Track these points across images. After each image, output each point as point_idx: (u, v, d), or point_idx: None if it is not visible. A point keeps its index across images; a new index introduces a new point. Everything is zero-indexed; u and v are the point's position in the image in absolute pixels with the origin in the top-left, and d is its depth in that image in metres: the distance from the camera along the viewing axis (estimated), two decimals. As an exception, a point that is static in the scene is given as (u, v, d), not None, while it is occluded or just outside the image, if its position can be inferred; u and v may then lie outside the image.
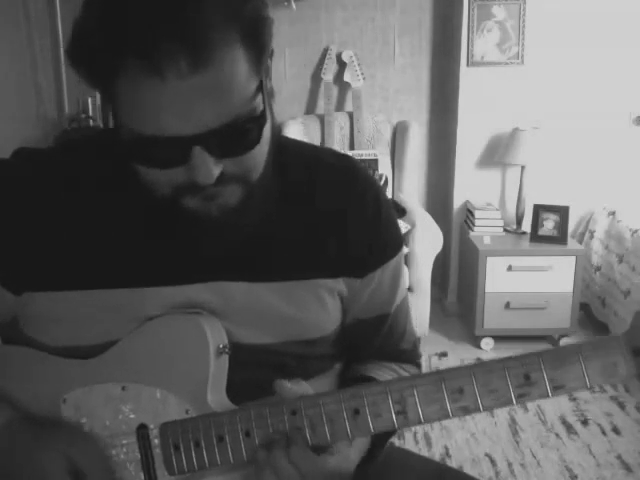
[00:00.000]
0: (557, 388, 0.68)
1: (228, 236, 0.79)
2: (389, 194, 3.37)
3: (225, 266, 0.83)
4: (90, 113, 3.13)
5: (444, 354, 3.08)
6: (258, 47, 0.69)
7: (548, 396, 0.68)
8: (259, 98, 0.71)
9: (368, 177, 0.92)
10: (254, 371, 0.84)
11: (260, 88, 0.71)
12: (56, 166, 0.85)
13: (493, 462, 2.30)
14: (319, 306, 0.87)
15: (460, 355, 3.08)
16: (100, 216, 0.83)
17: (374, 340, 0.96)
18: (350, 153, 3.26)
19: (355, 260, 0.88)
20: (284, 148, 0.87)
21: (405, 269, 2.85)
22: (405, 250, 2.94)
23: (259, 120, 0.71)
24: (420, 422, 0.71)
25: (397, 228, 0.94)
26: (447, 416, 0.70)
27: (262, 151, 0.75)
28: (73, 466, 0.78)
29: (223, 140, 0.68)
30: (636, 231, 2.98)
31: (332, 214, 0.87)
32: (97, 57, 0.66)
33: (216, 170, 0.70)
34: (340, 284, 0.88)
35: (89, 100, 3.09)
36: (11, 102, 2.72)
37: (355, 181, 0.90)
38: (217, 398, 0.80)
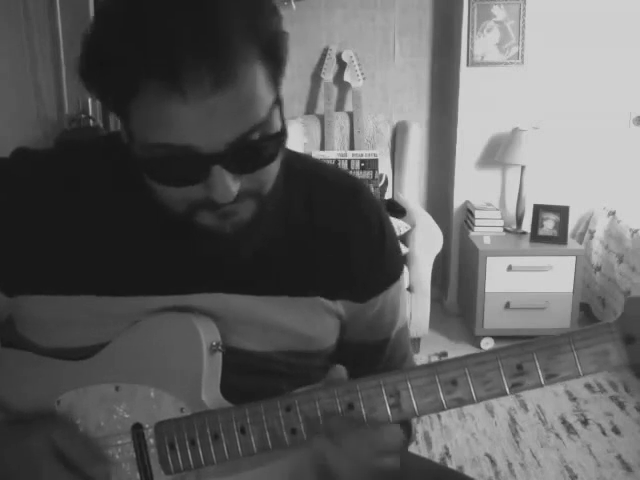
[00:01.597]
0: (550, 377, 0.68)
1: (242, 251, 0.77)
2: (389, 194, 3.37)
3: (225, 279, 0.82)
4: (90, 113, 3.13)
5: (444, 354, 3.07)
6: (276, 62, 0.69)
7: (541, 385, 0.68)
8: (276, 113, 0.70)
9: (371, 198, 0.90)
10: (248, 376, 0.83)
11: (277, 102, 0.71)
12: (55, 167, 0.84)
13: (493, 462, 2.29)
14: (317, 321, 0.85)
15: (460, 355, 3.07)
16: (99, 221, 0.81)
17: (376, 365, 0.93)
18: (350, 153, 3.26)
19: (357, 284, 0.86)
20: (285, 161, 0.86)
21: (405, 270, 2.84)
22: (405, 250, 2.93)
23: (279, 137, 0.71)
24: (415, 415, 0.71)
25: (399, 251, 0.93)
26: (441, 408, 0.70)
27: (277, 164, 0.74)
28: (57, 449, 0.78)
29: (242, 157, 0.68)
30: (636, 231, 2.98)
31: (333, 234, 0.85)
32: (115, 77, 0.64)
33: (235, 187, 0.69)
34: (338, 307, 0.86)
35: (89, 100, 3.09)
36: (11, 102, 2.72)
37: (358, 202, 0.88)
38: (211, 396, 0.79)
